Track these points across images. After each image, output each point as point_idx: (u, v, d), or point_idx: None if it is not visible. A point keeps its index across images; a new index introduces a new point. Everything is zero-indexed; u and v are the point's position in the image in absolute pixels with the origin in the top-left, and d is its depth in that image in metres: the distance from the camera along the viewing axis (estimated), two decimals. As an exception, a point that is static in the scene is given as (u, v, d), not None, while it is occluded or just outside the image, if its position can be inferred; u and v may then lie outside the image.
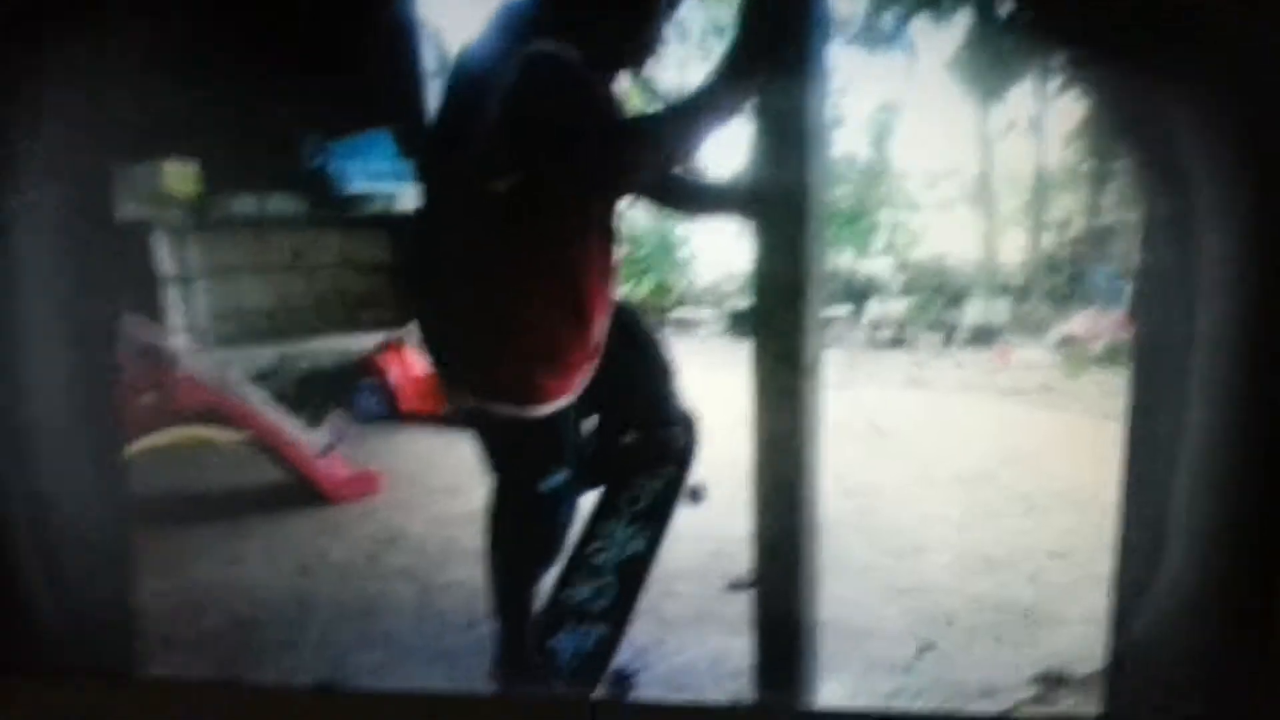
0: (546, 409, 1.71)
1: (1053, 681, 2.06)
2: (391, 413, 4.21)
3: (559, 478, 1.77)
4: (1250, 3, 1.02)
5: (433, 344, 1.78)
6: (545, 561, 1.93)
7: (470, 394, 1.74)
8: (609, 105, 1.65)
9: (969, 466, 3.65)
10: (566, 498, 1.83)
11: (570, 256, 1.68)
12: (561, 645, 2.00)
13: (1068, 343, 5.90)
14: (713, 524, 2.67)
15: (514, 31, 1.61)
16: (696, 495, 2.18)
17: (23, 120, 1.19)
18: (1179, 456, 1.25)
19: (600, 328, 1.78)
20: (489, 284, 1.66)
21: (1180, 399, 1.24)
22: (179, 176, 4.21)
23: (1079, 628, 2.23)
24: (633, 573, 2.08)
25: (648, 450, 2.08)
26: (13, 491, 1.24)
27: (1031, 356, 5.90)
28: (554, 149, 1.53)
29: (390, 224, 5.04)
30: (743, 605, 2.18)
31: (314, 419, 3.39)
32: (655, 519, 2.10)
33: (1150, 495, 1.31)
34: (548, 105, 1.53)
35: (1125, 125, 1.39)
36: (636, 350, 1.97)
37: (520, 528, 1.87)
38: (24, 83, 1.17)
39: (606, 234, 1.76)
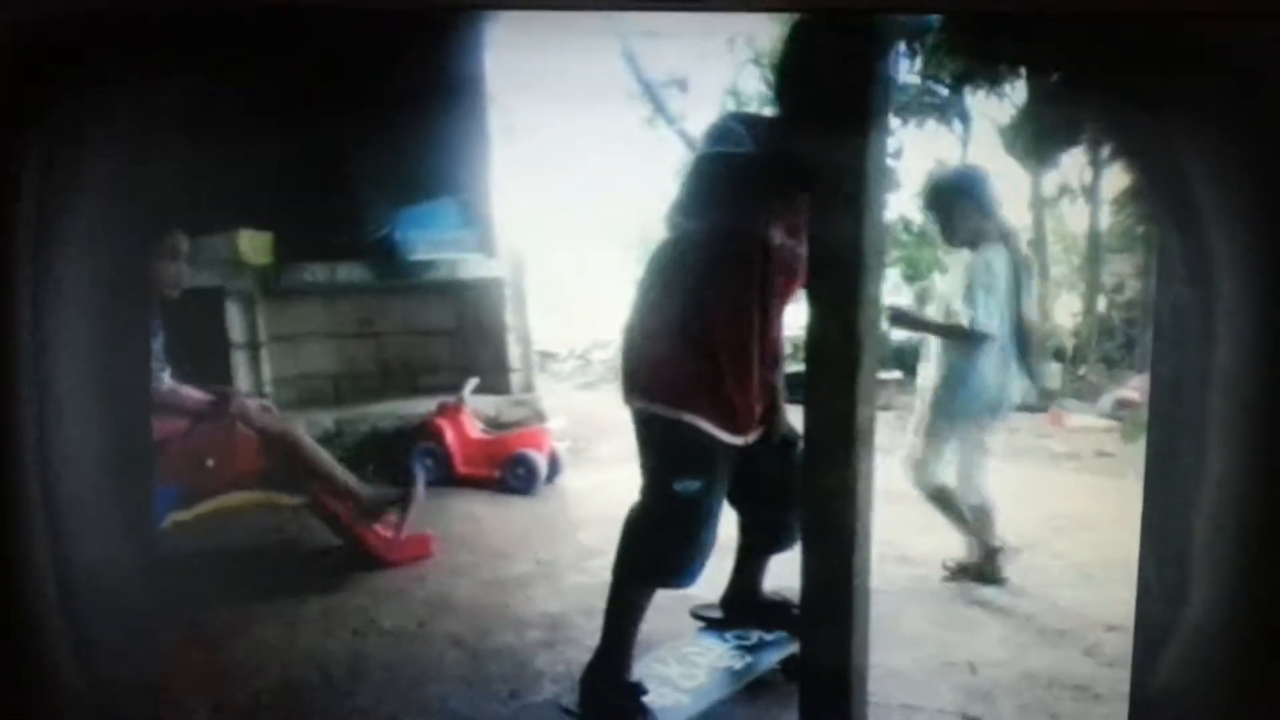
0: (688, 417, 2.03)
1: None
2: (446, 476, 4.27)
3: (692, 485, 2.03)
4: (1265, 52, 1.05)
5: (624, 354, 2.16)
6: (660, 569, 2.13)
7: (637, 395, 2.10)
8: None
9: (1022, 534, 3.59)
10: (696, 508, 2.06)
11: (732, 293, 2.05)
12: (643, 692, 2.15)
13: (1123, 407, 5.79)
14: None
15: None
16: (793, 674, 2.27)
17: (61, 193, 1.25)
18: (1199, 498, 1.24)
19: (737, 370, 2.08)
20: (657, 307, 2.08)
21: (1199, 439, 1.23)
22: (254, 245, 4.37)
23: (1135, 706, 2.18)
24: (724, 677, 2.26)
25: (776, 617, 2.38)
26: (41, 558, 1.28)
27: (1086, 421, 5.80)
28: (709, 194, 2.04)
29: (453, 290, 5.17)
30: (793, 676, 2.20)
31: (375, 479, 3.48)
32: (756, 655, 2.33)
33: (1170, 538, 1.30)
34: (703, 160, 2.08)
35: (1140, 163, 1.40)
36: (781, 470, 2.23)
37: (647, 525, 2.11)
38: (63, 157, 1.24)
39: (766, 278, 2.08)
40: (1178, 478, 1.28)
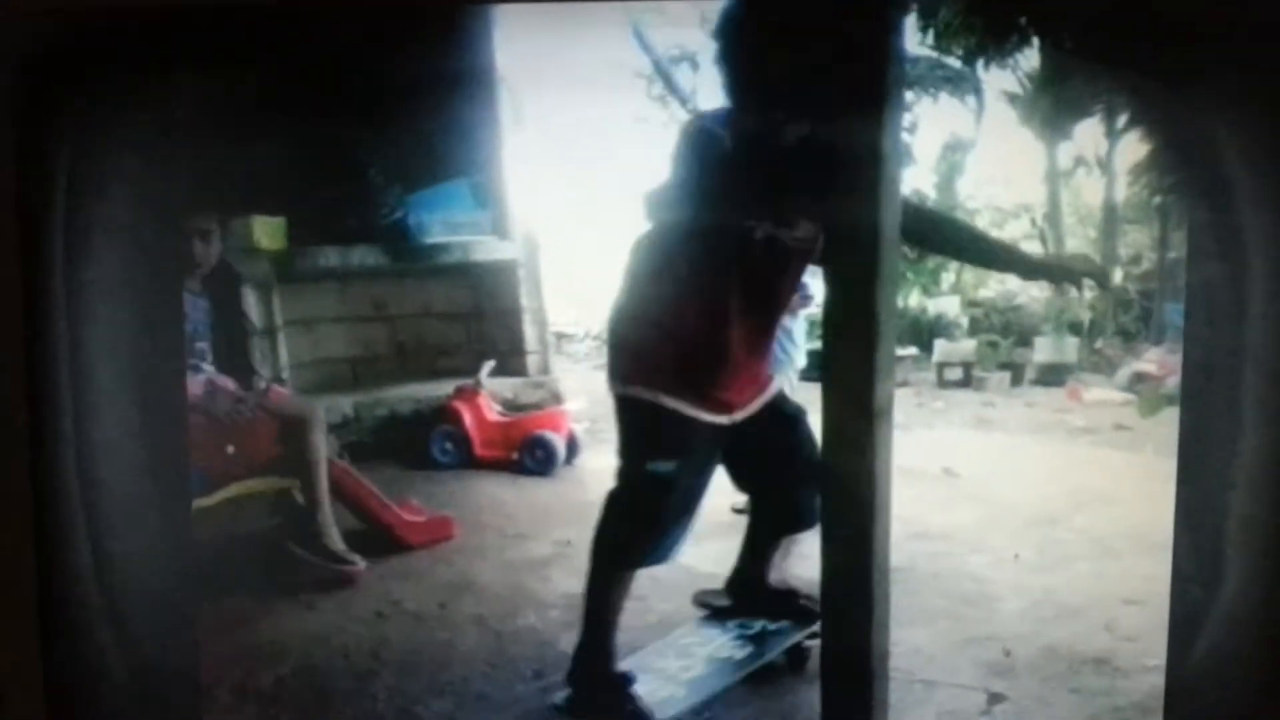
0: (665, 400, 2.06)
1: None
2: (465, 459, 4.29)
3: (668, 466, 2.07)
4: None
5: (609, 341, 2.23)
6: (635, 550, 2.15)
7: (617, 380, 2.15)
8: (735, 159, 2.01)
9: (1041, 509, 3.59)
10: (671, 488, 2.09)
11: (708, 281, 2.06)
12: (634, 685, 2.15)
13: (1140, 380, 5.77)
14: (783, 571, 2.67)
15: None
16: (796, 663, 2.32)
17: (88, 189, 1.26)
18: (1233, 478, 1.22)
19: (714, 357, 2.10)
20: (651, 292, 2.10)
21: (1233, 418, 1.22)
22: (267, 231, 4.37)
23: (1156, 678, 2.18)
24: (724, 668, 2.23)
25: (782, 607, 2.38)
26: (82, 549, 1.29)
27: (1104, 395, 5.77)
28: (687, 192, 2.06)
29: (468, 273, 5.17)
30: (813, 657, 2.20)
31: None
32: (759, 645, 2.31)
33: (1204, 521, 1.29)
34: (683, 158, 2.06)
35: (1171, 140, 1.38)
36: (786, 446, 2.25)
37: (622, 505, 2.15)
38: (92, 151, 1.25)
39: (747, 267, 2.08)
40: (1211, 458, 1.26)
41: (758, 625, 2.34)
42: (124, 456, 1.37)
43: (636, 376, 2.10)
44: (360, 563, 3.02)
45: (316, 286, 4.82)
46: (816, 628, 2.16)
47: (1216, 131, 1.18)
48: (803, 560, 2.33)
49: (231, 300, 3.58)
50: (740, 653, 2.26)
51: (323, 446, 3.14)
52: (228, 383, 3.11)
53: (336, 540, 3.03)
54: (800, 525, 2.31)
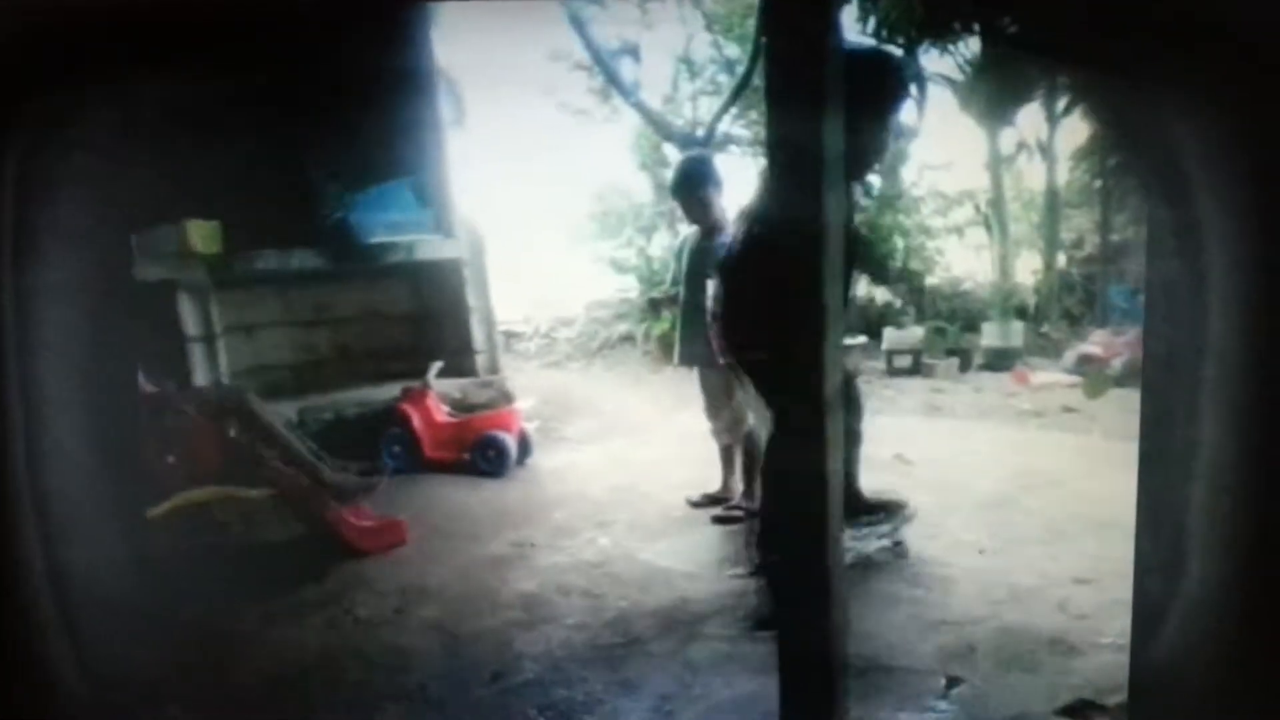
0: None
1: (1085, 711, 2.04)
2: (415, 461, 4.23)
3: None
4: (1249, 17, 1.03)
5: (738, 323, 2.85)
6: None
7: (745, 350, 2.81)
8: None
9: (992, 493, 3.63)
10: None
11: (784, 273, 2.40)
12: None
13: (1086, 362, 5.88)
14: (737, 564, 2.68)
15: None
16: (900, 554, 3.01)
17: (41, 192, 1.22)
18: (1193, 471, 1.23)
19: None
20: (753, 286, 2.63)
21: (1193, 412, 1.23)
22: (202, 235, 4.27)
23: (1109, 655, 2.21)
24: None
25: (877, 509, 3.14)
26: (34, 558, 1.25)
27: (1050, 378, 5.86)
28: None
29: (412, 273, 5.09)
30: (770, 645, 2.20)
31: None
32: (863, 541, 3.01)
33: (1166, 513, 1.30)
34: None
35: (1129, 138, 1.39)
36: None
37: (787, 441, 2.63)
38: (42, 155, 1.21)
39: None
40: (1173, 450, 1.27)
41: (865, 529, 3.05)
42: (76, 463, 1.33)
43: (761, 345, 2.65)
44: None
45: (256, 291, 4.72)
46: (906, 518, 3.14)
47: (1174, 127, 1.19)
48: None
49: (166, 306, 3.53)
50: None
51: (265, 411, 3.16)
52: (156, 388, 3.04)
53: (330, 473, 3.24)
54: (852, 442, 3.06)
